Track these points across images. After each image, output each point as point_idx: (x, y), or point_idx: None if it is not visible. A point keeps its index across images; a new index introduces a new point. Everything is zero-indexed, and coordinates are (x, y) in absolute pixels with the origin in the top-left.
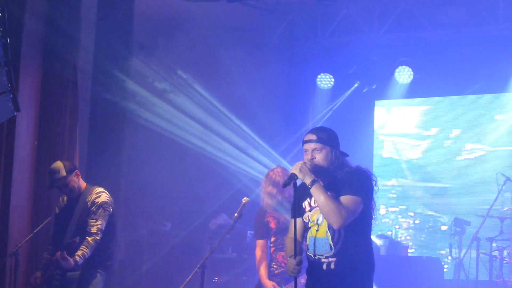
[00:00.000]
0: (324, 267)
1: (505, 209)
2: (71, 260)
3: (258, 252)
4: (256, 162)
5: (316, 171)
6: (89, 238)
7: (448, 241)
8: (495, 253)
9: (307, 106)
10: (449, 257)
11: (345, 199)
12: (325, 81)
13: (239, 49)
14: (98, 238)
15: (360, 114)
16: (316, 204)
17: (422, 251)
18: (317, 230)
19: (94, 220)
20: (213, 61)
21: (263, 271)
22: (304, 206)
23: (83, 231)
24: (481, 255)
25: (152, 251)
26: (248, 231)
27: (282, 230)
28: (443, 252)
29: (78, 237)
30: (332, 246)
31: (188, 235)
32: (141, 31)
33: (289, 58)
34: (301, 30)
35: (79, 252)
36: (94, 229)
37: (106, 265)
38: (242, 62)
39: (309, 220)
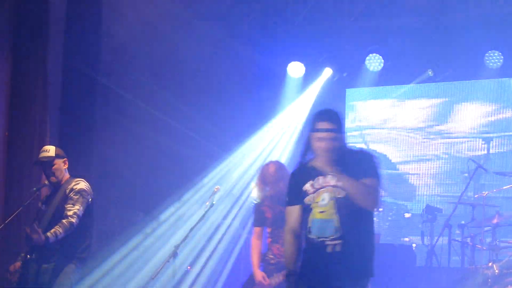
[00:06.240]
0: (329, 249)
1: (476, 196)
2: (41, 234)
3: (254, 240)
4: (228, 153)
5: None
6: (63, 220)
7: (411, 228)
8: (467, 239)
9: (277, 94)
10: (414, 245)
11: (369, 181)
12: (295, 69)
13: (210, 38)
14: (73, 221)
15: (331, 102)
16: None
17: (386, 238)
18: (322, 212)
19: (71, 205)
20: (181, 51)
21: (255, 259)
22: (305, 189)
23: (60, 218)
24: (452, 242)
25: (124, 241)
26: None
27: (277, 220)
28: (406, 239)
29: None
30: (339, 228)
31: (161, 224)
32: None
33: (259, 47)
34: (272, 18)
35: (52, 230)
36: (70, 212)
37: (82, 257)
38: (212, 51)
39: (312, 202)
